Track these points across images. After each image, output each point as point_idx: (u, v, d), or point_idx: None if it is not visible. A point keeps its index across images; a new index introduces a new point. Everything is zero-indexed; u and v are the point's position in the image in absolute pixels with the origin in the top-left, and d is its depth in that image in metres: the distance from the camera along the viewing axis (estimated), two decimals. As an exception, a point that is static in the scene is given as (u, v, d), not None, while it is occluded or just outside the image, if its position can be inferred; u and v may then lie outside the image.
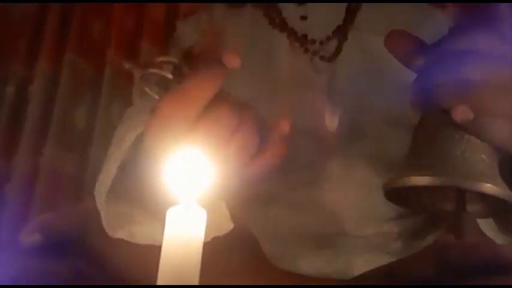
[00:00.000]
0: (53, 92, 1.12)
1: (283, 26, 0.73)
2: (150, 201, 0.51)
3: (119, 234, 0.56)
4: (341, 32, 0.72)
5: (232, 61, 0.46)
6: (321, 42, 0.71)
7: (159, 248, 0.31)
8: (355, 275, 0.63)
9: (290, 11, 0.75)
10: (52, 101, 1.12)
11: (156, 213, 0.51)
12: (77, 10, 1.18)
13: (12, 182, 1.07)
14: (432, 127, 0.43)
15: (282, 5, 0.76)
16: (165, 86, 0.46)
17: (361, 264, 0.64)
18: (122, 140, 0.54)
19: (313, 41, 0.71)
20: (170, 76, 0.46)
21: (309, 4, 0.74)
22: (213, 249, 0.35)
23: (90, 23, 1.18)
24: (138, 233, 0.56)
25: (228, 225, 0.57)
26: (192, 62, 0.46)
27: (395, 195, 0.46)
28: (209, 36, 0.47)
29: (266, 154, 0.49)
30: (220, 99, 0.46)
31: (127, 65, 0.46)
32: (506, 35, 0.42)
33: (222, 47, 0.48)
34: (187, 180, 0.32)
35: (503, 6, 0.43)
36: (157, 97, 0.47)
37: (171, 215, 0.31)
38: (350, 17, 0.74)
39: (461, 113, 0.39)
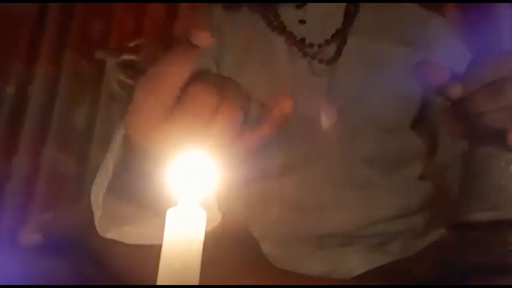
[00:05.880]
0: (53, 92, 1.12)
1: (281, 29, 0.73)
2: (149, 199, 0.50)
3: (111, 234, 0.55)
4: (340, 35, 0.72)
5: (202, 39, 0.41)
6: (320, 46, 0.71)
7: (159, 248, 0.30)
8: (355, 275, 0.63)
9: (288, 15, 0.74)
10: (52, 101, 1.12)
11: (156, 211, 0.50)
12: (77, 10, 1.18)
13: (12, 182, 1.07)
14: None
15: (280, 9, 0.75)
16: (140, 70, 0.43)
17: (361, 264, 0.64)
18: (112, 140, 0.53)
19: (312, 45, 0.71)
20: (141, 59, 0.43)
21: (308, 8, 0.74)
22: (214, 249, 0.35)
23: (90, 23, 1.18)
24: (130, 233, 0.56)
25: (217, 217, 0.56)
26: (167, 43, 0.43)
27: None
28: (187, 19, 0.43)
29: (260, 128, 0.46)
30: (195, 80, 0.42)
31: (98, 55, 0.44)
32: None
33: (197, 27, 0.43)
34: (188, 180, 0.32)
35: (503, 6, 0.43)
36: (132, 83, 0.44)
37: (171, 215, 0.31)
38: (349, 20, 0.74)
39: None
